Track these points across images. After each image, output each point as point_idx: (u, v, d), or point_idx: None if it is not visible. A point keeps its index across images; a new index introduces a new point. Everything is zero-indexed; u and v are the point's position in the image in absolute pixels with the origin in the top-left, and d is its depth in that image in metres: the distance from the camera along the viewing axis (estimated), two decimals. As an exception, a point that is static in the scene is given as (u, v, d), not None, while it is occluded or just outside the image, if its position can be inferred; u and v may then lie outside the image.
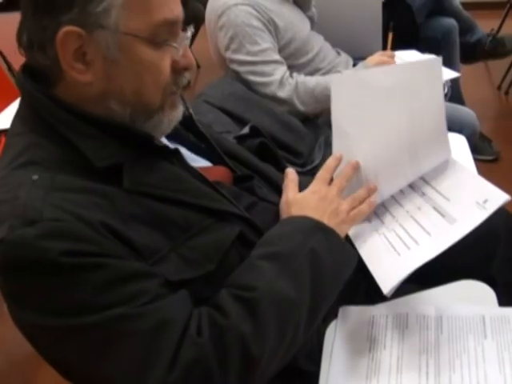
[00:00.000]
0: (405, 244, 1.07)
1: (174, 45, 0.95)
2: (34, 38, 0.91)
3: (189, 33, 0.99)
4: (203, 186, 1.00)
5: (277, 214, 1.12)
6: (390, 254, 1.06)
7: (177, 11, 0.95)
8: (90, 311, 0.81)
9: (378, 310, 1.08)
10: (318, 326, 1.06)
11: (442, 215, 1.09)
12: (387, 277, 1.01)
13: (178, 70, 0.98)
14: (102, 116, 0.94)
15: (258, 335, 0.85)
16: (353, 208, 1.09)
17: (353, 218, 1.08)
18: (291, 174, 1.17)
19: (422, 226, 1.09)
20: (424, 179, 1.17)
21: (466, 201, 1.08)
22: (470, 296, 1.11)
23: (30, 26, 0.91)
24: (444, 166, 1.18)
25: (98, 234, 0.84)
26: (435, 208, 1.11)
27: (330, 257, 0.97)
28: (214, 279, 0.93)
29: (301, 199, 1.09)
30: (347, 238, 1.10)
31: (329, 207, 1.06)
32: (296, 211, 1.06)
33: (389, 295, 1.01)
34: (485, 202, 1.05)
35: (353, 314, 1.09)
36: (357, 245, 1.10)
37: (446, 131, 1.18)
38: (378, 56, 2.10)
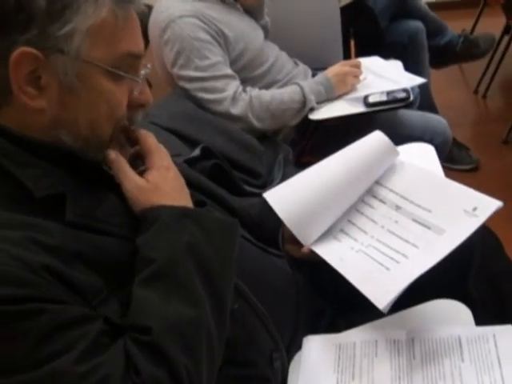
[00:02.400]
0: (391, 259, 1.11)
1: (136, 79, 0.99)
2: None
3: (147, 70, 1.02)
4: None
5: None
6: (376, 270, 1.10)
7: (141, 45, 0.99)
8: (29, 367, 0.81)
9: (345, 338, 1.10)
10: (282, 361, 1.08)
11: (427, 227, 1.13)
12: (379, 292, 1.05)
13: (133, 105, 1.01)
14: (46, 142, 0.95)
15: (177, 370, 0.86)
16: None
17: None
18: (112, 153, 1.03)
19: (404, 240, 1.13)
20: (396, 192, 1.22)
21: (452, 210, 1.12)
22: (443, 316, 1.14)
23: None
24: (417, 177, 1.23)
25: (39, 276, 0.84)
26: (416, 220, 1.15)
27: (209, 242, 0.97)
28: None
29: (155, 182, 1.02)
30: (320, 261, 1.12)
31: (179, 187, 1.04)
32: (155, 198, 1.00)
33: (385, 311, 1.04)
34: (474, 209, 1.09)
35: (317, 343, 1.11)
36: (335, 265, 1.13)
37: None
38: (339, 66, 2.15)
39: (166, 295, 0.90)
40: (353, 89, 2.16)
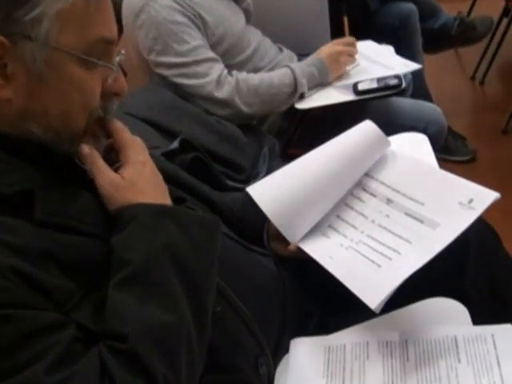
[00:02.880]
0: (383, 255, 1.11)
1: (110, 66, 0.99)
2: None
3: (121, 56, 1.02)
4: None
5: None
6: (367, 267, 1.10)
7: (114, 30, 0.99)
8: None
9: (334, 340, 1.11)
10: (268, 367, 1.09)
11: (420, 221, 1.14)
12: (371, 291, 1.05)
13: (107, 94, 1.01)
14: (15, 135, 0.95)
15: (154, 379, 0.86)
16: None
17: None
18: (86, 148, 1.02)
19: (396, 235, 1.14)
20: (387, 184, 1.22)
21: (446, 202, 1.13)
22: (438, 316, 1.14)
23: None
24: (410, 168, 1.24)
25: (6, 280, 0.84)
26: (408, 214, 1.15)
27: (189, 241, 0.97)
28: None
29: (130, 178, 1.02)
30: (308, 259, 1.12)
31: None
32: (130, 196, 1.00)
33: (378, 311, 1.04)
34: (470, 201, 1.10)
35: (306, 346, 1.11)
36: (324, 263, 1.13)
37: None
38: (332, 46, 2.15)
39: (143, 299, 0.90)
40: (345, 72, 2.16)
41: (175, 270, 0.93)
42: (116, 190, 1.00)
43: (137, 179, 1.01)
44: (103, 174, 1.00)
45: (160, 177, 1.06)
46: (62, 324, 0.87)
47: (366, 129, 1.27)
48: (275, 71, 2.09)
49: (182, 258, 0.95)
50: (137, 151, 1.05)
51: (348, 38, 2.27)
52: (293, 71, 2.04)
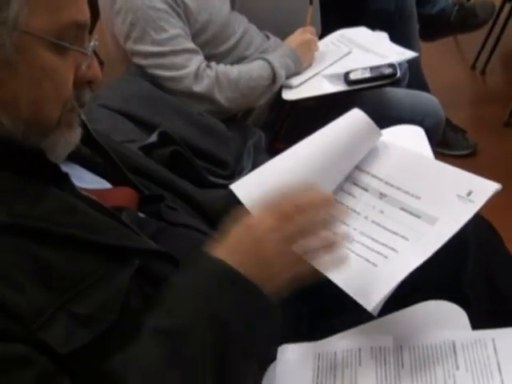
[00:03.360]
0: (379, 253, 1.11)
1: (83, 50, 0.98)
2: None
3: (95, 42, 1.02)
4: (102, 217, 1.01)
5: (191, 239, 1.14)
6: (362, 267, 1.10)
7: (87, 13, 0.98)
8: None
9: (324, 347, 1.11)
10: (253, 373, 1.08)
11: (417, 216, 1.14)
12: (368, 292, 1.05)
13: (81, 82, 1.00)
14: None
15: None
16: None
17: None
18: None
19: (392, 231, 1.14)
20: (379, 178, 1.22)
21: (444, 196, 1.13)
22: (435, 320, 1.14)
23: None
24: (403, 160, 1.24)
25: None
26: (404, 209, 1.15)
27: (243, 323, 0.95)
28: (115, 335, 0.93)
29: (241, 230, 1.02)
30: None
31: (271, 255, 1.00)
32: (223, 247, 1.00)
33: (375, 313, 1.04)
34: (469, 194, 1.10)
35: (294, 353, 1.11)
36: (315, 264, 1.13)
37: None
38: (300, 35, 2.19)
39: (165, 361, 0.89)
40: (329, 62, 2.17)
41: (212, 346, 0.91)
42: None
43: (238, 234, 1.01)
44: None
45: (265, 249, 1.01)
46: (27, 360, 0.84)
47: (355, 118, 1.27)
48: (251, 63, 2.10)
49: (226, 336, 0.93)
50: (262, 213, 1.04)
51: (311, 27, 2.30)
52: (271, 63, 2.06)
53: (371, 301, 1.03)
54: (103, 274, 0.95)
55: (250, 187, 1.26)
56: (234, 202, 1.26)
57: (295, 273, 1.00)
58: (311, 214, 1.01)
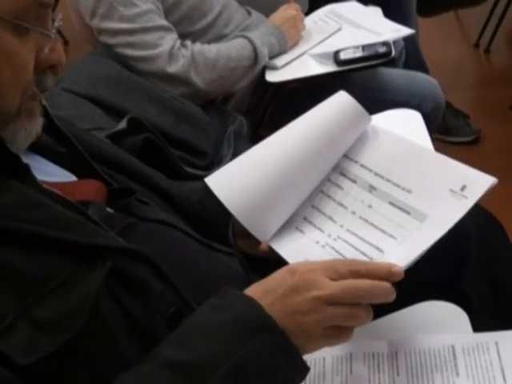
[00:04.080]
0: (364, 254, 1.11)
1: (46, 32, 0.98)
2: None
3: (59, 22, 1.02)
4: (67, 213, 1.01)
5: (165, 236, 1.14)
6: None
7: None
8: None
9: (312, 353, 1.11)
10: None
11: (406, 212, 1.14)
12: None
13: (42, 67, 1.00)
14: None
15: None
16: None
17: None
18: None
19: (379, 229, 1.14)
20: (369, 168, 1.23)
21: (436, 190, 1.13)
22: (433, 322, 1.15)
23: None
24: (395, 148, 1.23)
25: None
26: (393, 204, 1.16)
27: (267, 375, 0.94)
28: (82, 344, 0.93)
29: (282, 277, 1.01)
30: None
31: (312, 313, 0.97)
32: (262, 288, 1.01)
33: None
34: (463, 188, 1.10)
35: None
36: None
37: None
38: (284, 11, 2.21)
39: None
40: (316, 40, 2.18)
41: None
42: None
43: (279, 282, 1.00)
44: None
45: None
46: None
47: (341, 102, 1.27)
48: (231, 42, 2.11)
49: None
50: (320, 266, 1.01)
51: (296, 4, 2.31)
52: (252, 42, 2.06)
53: None
54: (70, 276, 0.95)
55: (226, 181, 1.26)
56: (210, 196, 1.26)
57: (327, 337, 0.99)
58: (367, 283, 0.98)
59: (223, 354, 0.92)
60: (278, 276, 1.01)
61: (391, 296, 0.99)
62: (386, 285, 0.98)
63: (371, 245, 1.12)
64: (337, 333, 0.98)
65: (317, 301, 0.95)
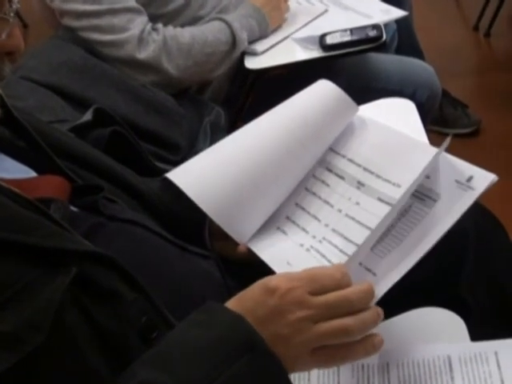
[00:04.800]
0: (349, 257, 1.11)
1: (2, 15, 0.98)
2: None
3: (16, 5, 1.02)
4: (25, 213, 1.00)
5: (135, 236, 1.15)
6: None
7: None
8: None
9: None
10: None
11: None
12: None
13: None
14: None
15: None
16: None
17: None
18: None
19: (367, 227, 1.15)
20: (357, 163, 1.23)
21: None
22: (428, 331, 1.16)
23: None
24: (384, 140, 1.24)
25: None
26: (382, 200, 1.16)
27: None
28: (45, 356, 0.93)
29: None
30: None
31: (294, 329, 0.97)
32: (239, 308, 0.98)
33: None
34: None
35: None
36: (277, 270, 1.13)
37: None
38: None
39: None
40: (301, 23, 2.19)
41: None
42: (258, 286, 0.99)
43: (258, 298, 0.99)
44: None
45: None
46: None
47: (323, 89, 1.27)
48: (206, 25, 2.11)
49: None
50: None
51: None
52: (230, 25, 2.06)
53: None
54: (29, 283, 0.94)
55: (194, 175, 1.26)
56: (180, 194, 1.26)
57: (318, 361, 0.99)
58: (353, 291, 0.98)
59: (204, 379, 0.91)
60: (255, 295, 0.99)
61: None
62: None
63: (358, 246, 1.12)
64: (328, 356, 0.98)
65: (301, 322, 0.95)
